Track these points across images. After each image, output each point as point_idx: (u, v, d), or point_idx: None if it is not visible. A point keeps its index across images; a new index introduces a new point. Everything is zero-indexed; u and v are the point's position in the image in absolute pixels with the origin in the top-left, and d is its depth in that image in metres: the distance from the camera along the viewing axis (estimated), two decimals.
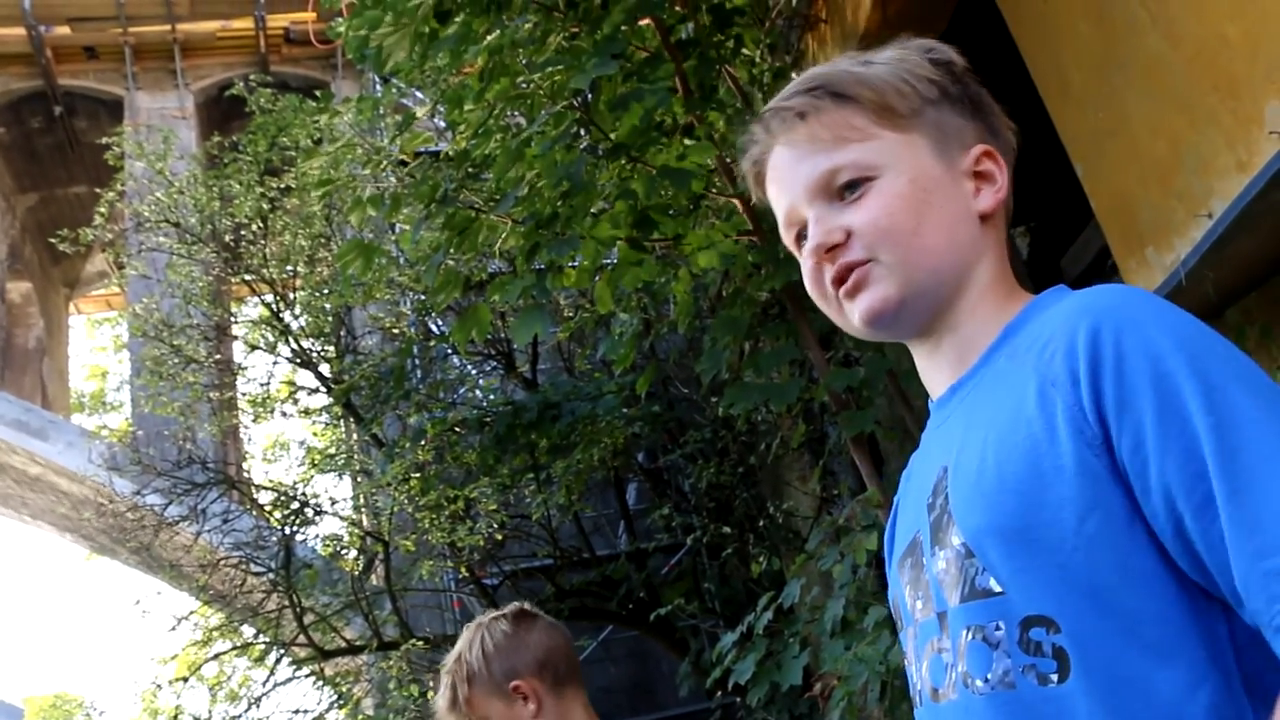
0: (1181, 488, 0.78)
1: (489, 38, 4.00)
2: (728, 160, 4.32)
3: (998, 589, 0.86)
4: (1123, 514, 0.81)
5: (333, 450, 11.18)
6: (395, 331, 9.90)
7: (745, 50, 4.82)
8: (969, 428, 0.94)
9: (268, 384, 10.84)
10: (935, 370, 1.05)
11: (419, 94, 8.00)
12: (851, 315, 1.01)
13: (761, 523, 7.78)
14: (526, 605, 2.06)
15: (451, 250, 4.35)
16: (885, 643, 3.54)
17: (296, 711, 9.54)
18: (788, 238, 1.08)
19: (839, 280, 1.00)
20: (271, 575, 9.25)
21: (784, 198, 1.05)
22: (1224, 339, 0.85)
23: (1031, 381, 0.88)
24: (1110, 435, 0.82)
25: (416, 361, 9.20)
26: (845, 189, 1.00)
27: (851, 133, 1.01)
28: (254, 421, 11.27)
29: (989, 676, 0.86)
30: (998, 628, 0.86)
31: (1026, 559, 0.84)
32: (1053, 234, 5.97)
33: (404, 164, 5.18)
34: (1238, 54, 2.60)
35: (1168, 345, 0.81)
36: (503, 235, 4.22)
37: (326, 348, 10.21)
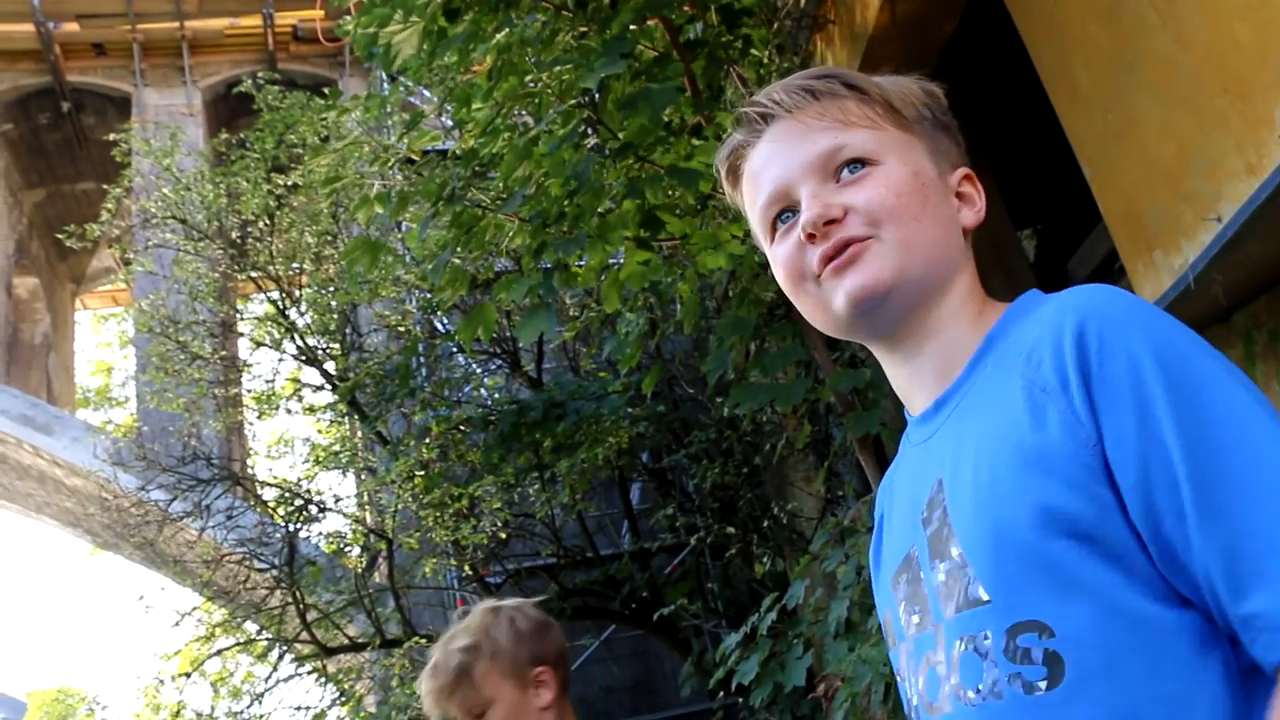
0: (1160, 493, 0.79)
1: (498, 36, 4.00)
2: None
3: (985, 597, 0.85)
4: (1116, 514, 0.81)
5: (337, 447, 11.19)
6: (401, 329, 9.91)
7: (753, 51, 4.82)
8: (961, 439, 0.93)
9: (273, 381, 10.89)
10: (915, 382, 1.03)
11: (427, 92, 8.01)
12: (836, 296, 0.97)
13: (766, 523, 7.77)
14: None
15: (458, 248, 4.35)
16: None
17: (299, 708, 9.57)
18: (767, 216, 1.03)
19: (829, 257, 0.96)
20: (275, 572, 9.28)
21: (774, 174, 1.02)
22: (1203, 340, 0.84)
23: (1020, 389, 0.87)
24: (1101, 434, 0.82)
25: (422, 359, 9.20)
26: (845, 168, 0.99)
27: (859, 119, 1.01)
28: (259, 418, 11.33)
29: (980, 687, 0.86)
30: (986, 637, 0.85)
31: (1018, 565, 0.83)
32: (1060, 236, 5.96)
33: (411, 162, 5.17)
34: (1248, 56, 2.59)
35: (1146, 347, 0.82)
36: (509, 234, 4.22)
37: (332, 345, 10.23)
